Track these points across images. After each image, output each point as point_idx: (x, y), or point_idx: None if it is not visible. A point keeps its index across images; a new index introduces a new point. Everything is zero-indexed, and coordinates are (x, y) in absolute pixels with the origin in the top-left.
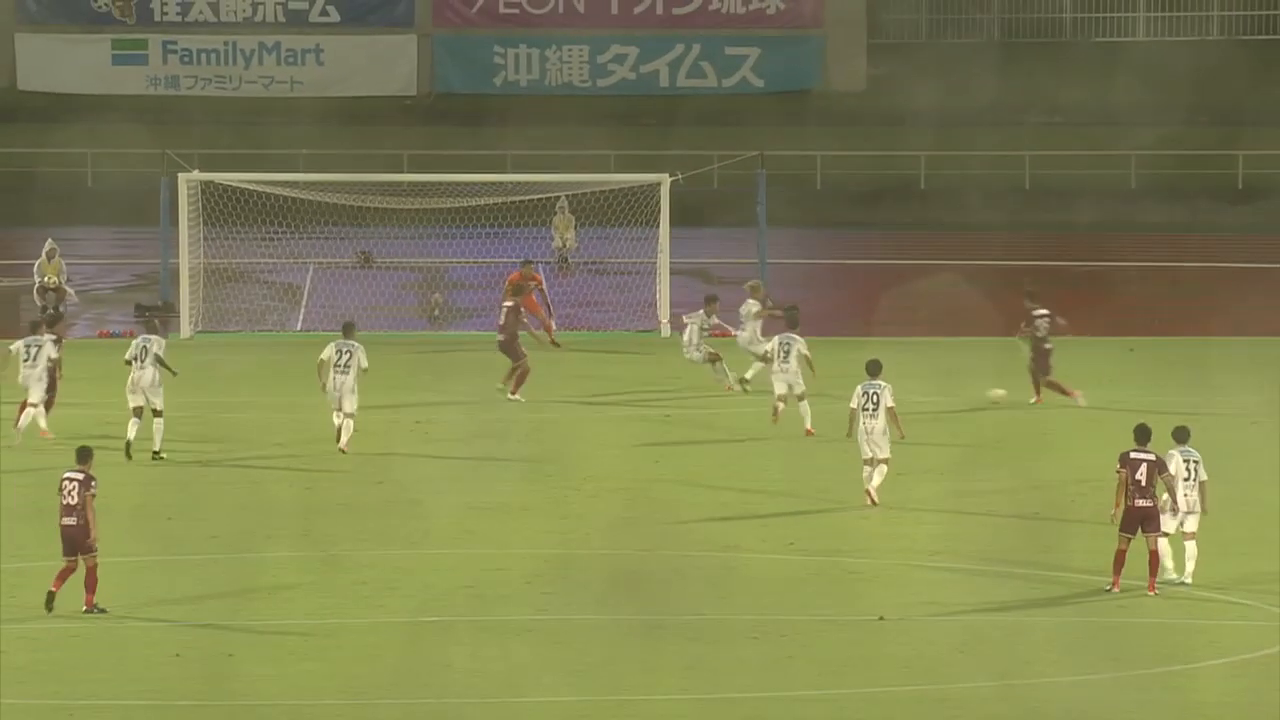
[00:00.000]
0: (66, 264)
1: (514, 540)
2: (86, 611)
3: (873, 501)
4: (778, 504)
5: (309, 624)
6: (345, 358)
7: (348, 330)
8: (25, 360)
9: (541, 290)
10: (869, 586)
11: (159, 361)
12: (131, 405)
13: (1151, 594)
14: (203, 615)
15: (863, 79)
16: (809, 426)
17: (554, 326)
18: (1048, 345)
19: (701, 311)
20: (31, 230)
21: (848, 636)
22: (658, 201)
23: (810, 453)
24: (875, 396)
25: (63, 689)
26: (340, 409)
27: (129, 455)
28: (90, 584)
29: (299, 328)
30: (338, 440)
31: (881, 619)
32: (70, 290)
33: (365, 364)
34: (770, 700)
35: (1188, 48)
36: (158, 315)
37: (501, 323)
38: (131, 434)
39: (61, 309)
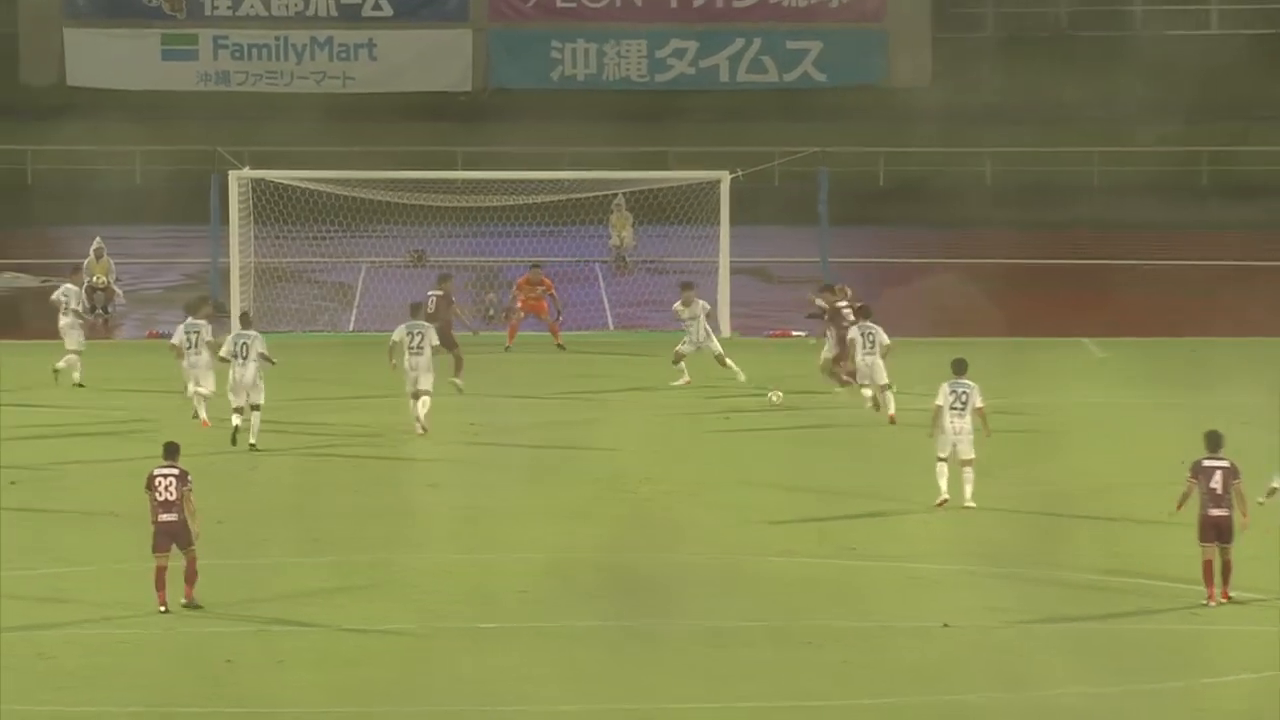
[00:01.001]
0: (115, 263)
1: (570, 544)
2: (186, 605)
3: (947, 505)
4: (838, 506)
5: (361, 630)
6: (417, 339)
7: (415, 311)
8: (188, 347)
9: (552, 295)
10: (932, 592)
11: (262, 357)
12: (234, 405)
13: (1225, 601)
14: (253, 621)
15: (927, 73)
16: (892, 413)
17: (559, 329)
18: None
19: (679, 302)
20: (79, 228)
21: (910, 644)
22: (717, 199)
23: (872, 454)
24: (964, 396)
25: (112, 695)
26: (417, 390)
27: (245, 446)
28: (190, 577)
29: (351, 328)
30: (418, 422)
31: (946, 626)
32: (119, 290)
33: (436, 341)
34: (828, 709)
35: (1262, 41)
36: (224, 311)
37: (431, 311)
38: (251, 435)
39: (110, 309)
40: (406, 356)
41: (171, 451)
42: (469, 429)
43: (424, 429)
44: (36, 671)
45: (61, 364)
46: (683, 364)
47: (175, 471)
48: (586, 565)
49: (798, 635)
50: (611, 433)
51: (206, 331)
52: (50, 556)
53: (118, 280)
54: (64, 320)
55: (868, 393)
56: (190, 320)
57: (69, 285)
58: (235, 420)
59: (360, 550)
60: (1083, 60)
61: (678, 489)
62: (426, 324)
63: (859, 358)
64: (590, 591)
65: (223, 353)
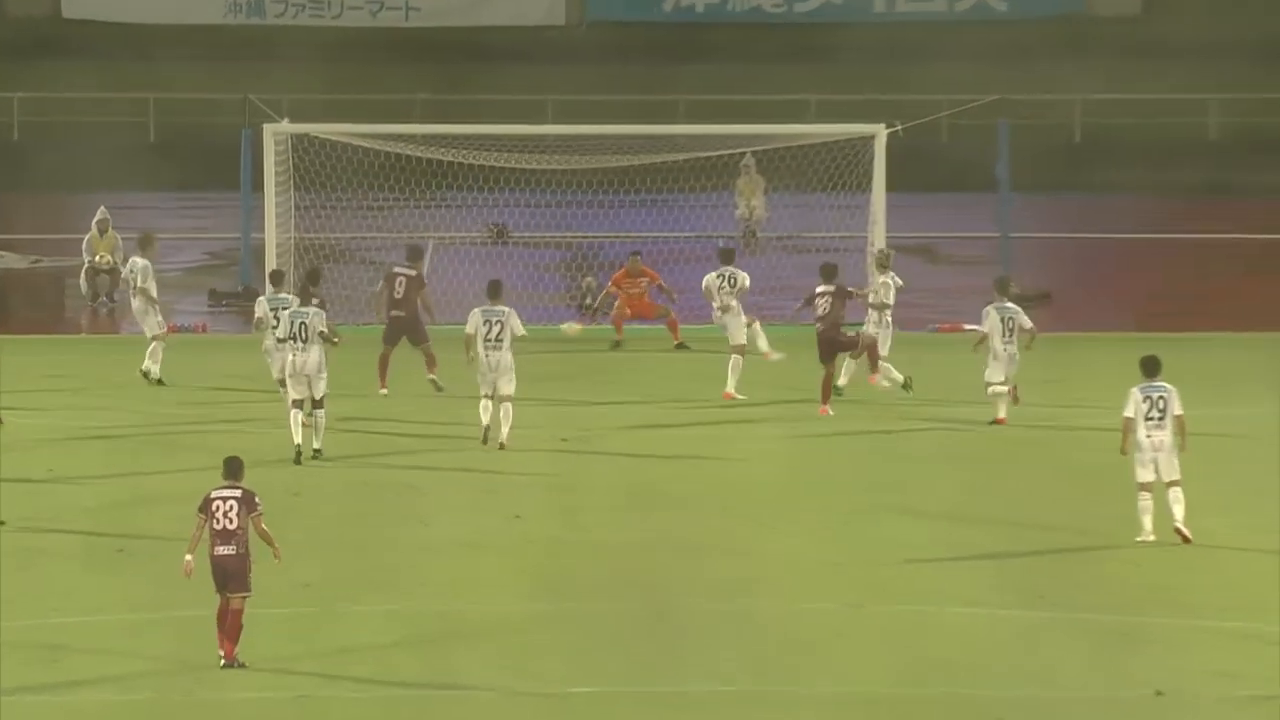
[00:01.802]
0: (123, 238)
1: (681, 587)
2: (226, 665)
3: (1184, 538)
4: (1019, 542)
5: (420, 694)
6: (496, 329)
7: (494, 292)
8: (274, 326)
9: (660, 287)
10: (1139, 651)
11: (323, 338)
12: (292, 397)
13: None
14: (290, 682)
15: (1137, 0)
16: (1002, 415)
17: (678, 325)
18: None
19: (714, 274)
20: (78, 196)
21: (1115, 718)
22: (870, 159)
23: (1059, 477)
24: (1161, 402)
25: None
26: (496, 394)
27: (299, 460)
28: (234, 630)
29: None
30: (484, 438)
31: (1159, 694)
32: (124, 270)
33: (520, 330)
34: None
35: None
36: (297, 284)
37: (400, 295)
38: (299, 435)
39: (118, 296)
40: (482, 351)
41: (234, 469)
42: (559, 444)
43: (500, 444)
44: None
45: (151, 364)
46: (756, 324)
47: (238, 494)
48: (699, 614)
49: (976, 707)
50: (732, 451)
51: (318, 319)
52: (44, 603)
53: (126, 260)
54: (136, 303)
55: (1002, 389)
56: (277, 296)
57: (138, 259)
58: (296, 431)
59: (426, 596)
60: None
61: (814, 520)
62: (508, 309)
63: (996, 346)
64: (707, 645)
65: (278, 334)
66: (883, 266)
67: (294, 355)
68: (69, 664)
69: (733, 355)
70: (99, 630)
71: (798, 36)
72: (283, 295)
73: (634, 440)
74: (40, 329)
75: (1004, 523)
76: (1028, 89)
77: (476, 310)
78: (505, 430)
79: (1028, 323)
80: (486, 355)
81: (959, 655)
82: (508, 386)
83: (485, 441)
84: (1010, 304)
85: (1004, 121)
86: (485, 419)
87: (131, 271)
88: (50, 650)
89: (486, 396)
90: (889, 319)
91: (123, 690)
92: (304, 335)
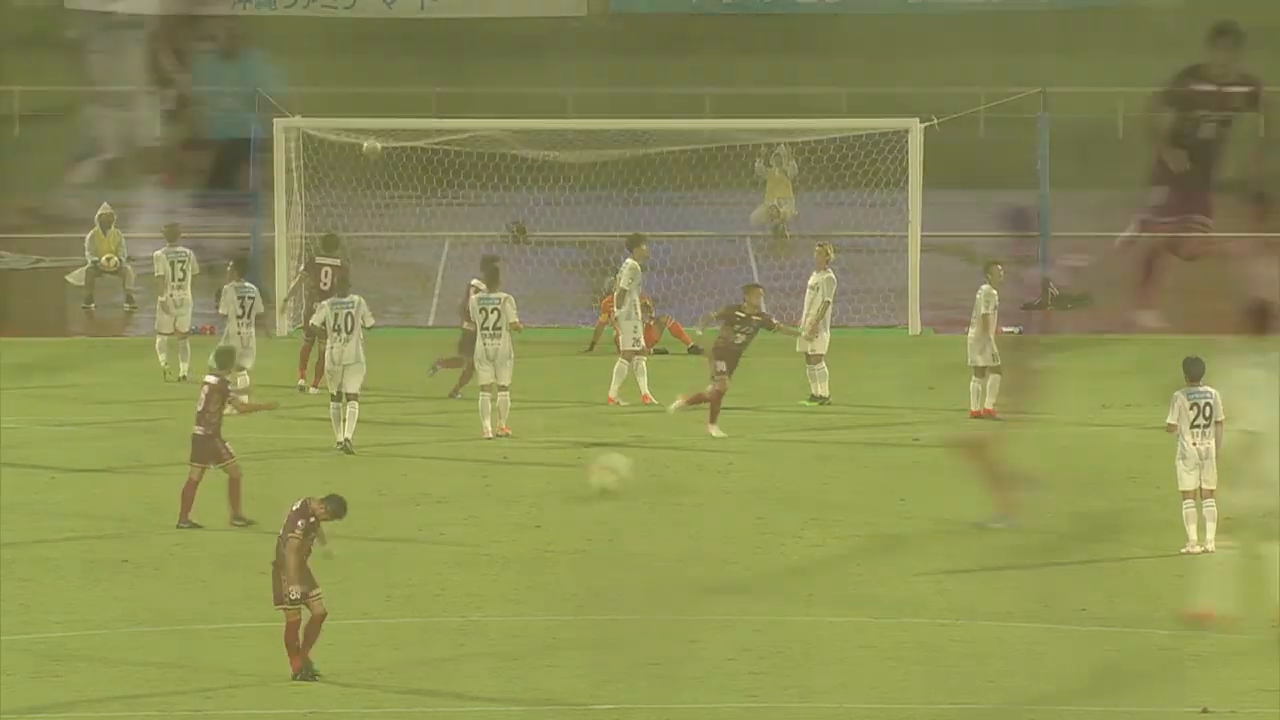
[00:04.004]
0: (126, 237)
1: (705, 599)
2: (296, 674)
3: (1206, 551)
4: (1056, 553)
5: (436, 710)
6: (493, 317)
7: (491, 277)
8: (239, 315)
9: (645, 305)
10: (1189, 668)
11: (365, 332)
12: (332, 390)
13: None
14: (302, 698)
15: None
16: (989, 405)
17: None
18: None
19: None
20: (81, 191)
21: None
22: (905, 155)
23: (1094, 484)
24: (1208, 409)
25: None
26: (495, 384)
27: (350, 450)
28: (310, 633)
29: (430, 322)
30: (486, 427)
31: (1205, 711)
32: (133, 270)
33: (513, 316)
34: None
35: None
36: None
37: (327, 287)
38: (346, 430)
39: (136, 298)
40: (479, 339)
41: (329, 506)
42: (581, 452)
43: (500, 432)
44: None
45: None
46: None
47: (297, 505)
48: (724, 627)
49: None
50: (760, 461)
51: (366, 314)
52: (46, 615)
53: (130, 259)
54: (186, 293)
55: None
56: (240, 284)
57: (189, 250)
58: (337, 421)
59: (443, 608)
60: None
61: (841, 530)
62: (503, 295)
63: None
64: (733, 660)
65: (314, 321)
66: (827, 262)
67: (333, 347)
68: (72, 680)
69: (619, 360)
70: (103, 644)
71: (829, 24)
72: (248, 285)
73: (656, 447)
74: (42, 330)
75: (1039, 533)
76: (1071, 81)
77: (474, 297)
78: (504, 417)
79: (984, 307)
80: (485, 344)
81: (993, 671)
82: (507, 376)
83: (496, 434)
84: (989, 287)
85: (1044, 115)
86: (487, 415)
87: (182, 260)
88: (53, 665)
89: (485, 390)
90: (827, 317)
91: (129, 707)
92: (347, 326)
